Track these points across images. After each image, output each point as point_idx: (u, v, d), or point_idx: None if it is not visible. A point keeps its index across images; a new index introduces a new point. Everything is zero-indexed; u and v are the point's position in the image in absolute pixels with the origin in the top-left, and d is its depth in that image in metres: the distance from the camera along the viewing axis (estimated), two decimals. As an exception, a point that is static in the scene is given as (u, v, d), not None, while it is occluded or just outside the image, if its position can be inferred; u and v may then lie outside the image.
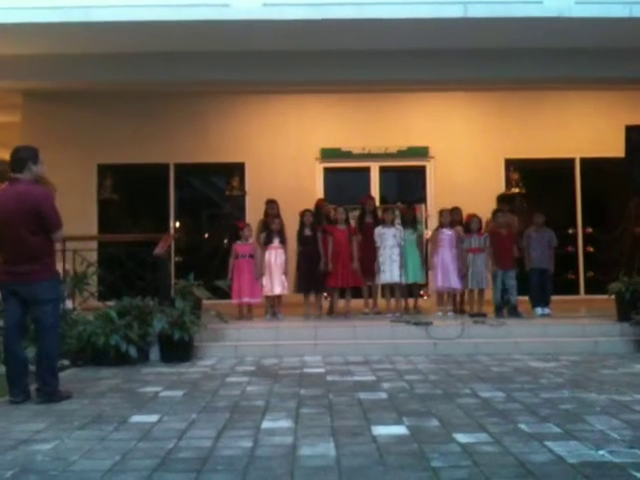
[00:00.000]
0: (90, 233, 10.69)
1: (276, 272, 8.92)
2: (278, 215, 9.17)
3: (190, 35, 8.30)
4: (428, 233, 10.31)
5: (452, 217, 9.31)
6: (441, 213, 9.43)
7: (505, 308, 8.85)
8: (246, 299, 8.90)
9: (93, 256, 9.10)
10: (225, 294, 8.99)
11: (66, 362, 6.68)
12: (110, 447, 3.83)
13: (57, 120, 11.50)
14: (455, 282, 8.98)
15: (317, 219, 9.20)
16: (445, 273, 8.97)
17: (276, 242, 9.00)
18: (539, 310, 8.93)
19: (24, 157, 5.17)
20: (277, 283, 8.91)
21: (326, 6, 7.96)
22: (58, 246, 5.92)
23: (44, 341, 5.12)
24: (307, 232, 9.00)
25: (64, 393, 5.23)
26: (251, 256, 9.00)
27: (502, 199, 10.03)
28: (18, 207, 5.00)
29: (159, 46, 8.66)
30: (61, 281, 5.30)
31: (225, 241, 9.41)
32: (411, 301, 9.54)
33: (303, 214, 9.08)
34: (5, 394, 5.18)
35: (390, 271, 8.98)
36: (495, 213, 9.20)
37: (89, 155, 11.33)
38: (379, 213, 9.70)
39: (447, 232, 9.10)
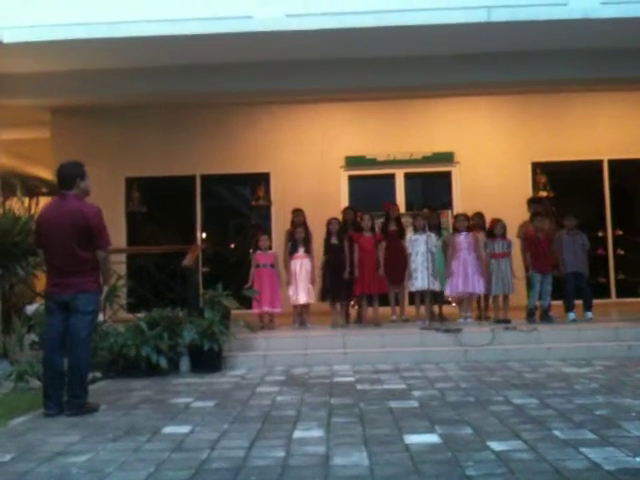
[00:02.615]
0: (119, 245, 10.79)
1: (302, 281, 8.93)
2: (303, 224, 9.18)
3: (214, 47, 8.39)
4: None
5: (474, 222, 9.23)
6: (456, 217, 9.36)
7: (537, 313, 8.76)
8: (266, 308, 8.89)
9: (122, 268, 9.21)
10: (250, 304, 9.01)
11: (98, 374, 6.74)
12: (144, 458, 3.85)
13: (85, 135, 11.66)
14: (474, 286, 8.87)
15: (344, 227, 9.20)
16: (459, 278, 8.86)
17: (301, 251, 9.01)
18: (572, 315, 8.80)
19: (72, 174, 5.27)
20: (303, 292, 8.91)
21: (348, 15, 8.00)
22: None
23: (77, 353, 5.16)
24: (334, 240, 8.99)
25: (92, 405, 5.28)
26: (272, 265, 9.00)
27: (533, 202, 9.87)
28: (70, 222, 5.13)
29: (184, 59, 8.77)
30: (100, 294, 5.38)
31: (251, 251, 9.44)
32: (437, 308, 9.47)
33: (329, 222, 9.08)
34: (39, 407, 5.24)
35: (422, 278, 8.93)
36: (533, 217, 9.07)
37: (117, 168, 11.47)
38: (404, 220, 9.66)
39: (462, 237, 8.98)
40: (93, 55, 8.51)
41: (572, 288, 8.91)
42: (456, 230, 9.13)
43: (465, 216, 9.20)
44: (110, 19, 7.98)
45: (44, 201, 9.68)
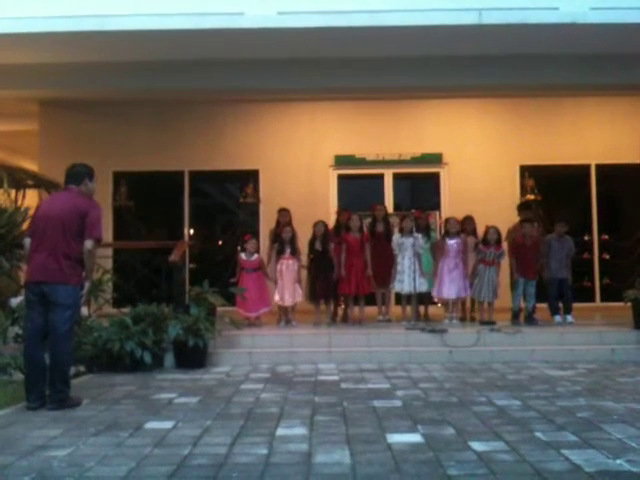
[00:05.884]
0: (105, 240, 10.69)
1: (288, 282, 8.91)
2: (289, 223, 9.16)
3: (205, 43, 8.36)
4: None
5: (463, 226, 9.22)
6: (447, 221, 9.33)
7: (522, 315, 8.81)
8: (252, 313, 8.87)
9: (108, 263, 9.15)
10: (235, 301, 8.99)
11: (82, 368, 6.72)
12: (125, 453, 3.84)
13: (73, 128, 11.62)
14: (459, 291, 8.89)
15: (336, 230, 9.21)
16: (447, 282, 8.88)
17: (287, 252, 8.97)
18: (557, 318, 8.89)
19: (82, 172, 5.43)
20: (289, 293, 8.89)
21: (341, 14, 7.99)
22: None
23: (58, 348, 5.13)
24: (317, 246, 8.98)
25: (74, 400, 5.26)
26: (255, 270, 8.98)
27: (523, 208, 9.83)
28: (67, 209, 5.20)
29: (174, 54, 8.72)
30: (82, 289, 5.33)
31: (238, 248, 9.40)
32: (422, 309, 9.48)
33: (316, 225, 9.07)
34: (22, 400, 5.21)
35: (409, 282, 8.93)
36: (522, 223, 9.07)
37: (105, 163, 11.34)
38: (392, 220, 9.67)
39: (452, 241, 8.97)
40: (82, 48, 8.45)
41: (555, 292, 8.98)
42: (447, 233, 9.13)
43: (456, 220, 9.20)
44: (100, 12, 7.94)
45: (30, 194, 9.71)
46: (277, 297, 8.94)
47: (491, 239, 8.86)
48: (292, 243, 9.01)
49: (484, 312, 8.95)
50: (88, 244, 5.18)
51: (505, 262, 9.06)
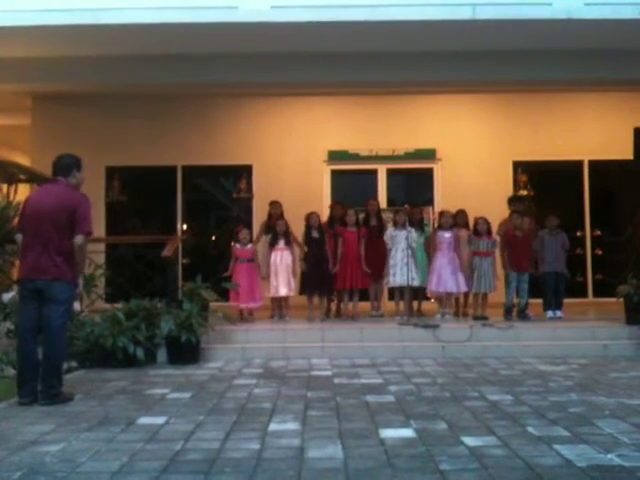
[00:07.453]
0: (98, 235, 10.68)
1: (282, 273, 8.90)
2: (282, 216, 9.16)
3: (198, 37, 8.33)
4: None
5: (456, 220, 9.24)
6: (441, 214, 9.34)
7: (514, 310, 8.83)
8: (243, 305, 8.85)
9: (101, 258, 9.13)
10: (228, 296, 8.97)
11: (74, 364, 6.70)
12: (118, 449, 3.83)
13: (66, 122, 11.56)
14: (451, 286, 8.91)
15: (330, 223, 9.20)
16: (440, 276, 8.90)
17: (281, 243, 8.98)
18: (550, 313, 8.91)
19: (70, 163, 5.36)
20: (283, 284, 8.89)
21: (334, 8, 7.98)
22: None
23: (51, 343, 5.11)
24: (315, 234, 8.97)
25: (66, 395, 5.24)
26: (249, 260, 8.96)
27: (514, 201, 9.90)
28: (57, 204, 5.13)
29: (167, 48, 8.70)
30: (75, 285, 5.30)
31: (232, 243, 9.39)
32: (416, 304, 9.50)
33: (309, 217, 9.06)
34: (14, 396, 5.19)
35: (401, 274, 8.94)
36: (511, 214, 9.10)
37: (97, 157, 11.31)
38: (385, 215, 9.67)
39: (445, 235, 9.02)
40: (77, 42, 8.42)
41: (551, 287, 8.99)
42: (440, 227, 9.14)
43: (449, 213, 9.21)
44: (95, 6, 7.91)
45: (23, 188, 9.67)
46: (272, 289, 8.92)
47: (481, 229, 8.90)
48: (286, 234, 9.00)
49: (477, 307, 8.97)
50: (79, 239, 5.13)
51: (498, 257, 9.06)
